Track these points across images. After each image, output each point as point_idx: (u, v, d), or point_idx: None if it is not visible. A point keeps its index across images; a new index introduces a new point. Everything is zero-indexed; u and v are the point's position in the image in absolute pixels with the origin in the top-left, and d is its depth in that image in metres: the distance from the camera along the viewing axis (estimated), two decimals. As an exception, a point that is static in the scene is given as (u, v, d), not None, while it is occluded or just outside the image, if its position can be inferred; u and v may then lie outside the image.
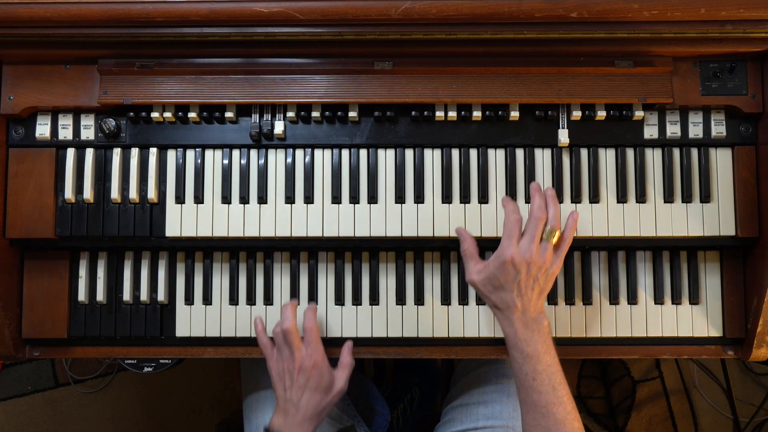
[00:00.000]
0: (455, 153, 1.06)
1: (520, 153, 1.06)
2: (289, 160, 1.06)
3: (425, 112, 1.04)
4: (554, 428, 0.88)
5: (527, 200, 1.04)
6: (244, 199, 1.05)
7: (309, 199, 1.05)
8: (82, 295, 1.07)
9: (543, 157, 1.06)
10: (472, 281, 0.97)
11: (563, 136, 1.04)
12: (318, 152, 1.06)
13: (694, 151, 1.06)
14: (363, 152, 1.06)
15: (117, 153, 1.06)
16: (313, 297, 1.07)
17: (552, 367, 0.90)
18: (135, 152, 1.06)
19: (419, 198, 1.05)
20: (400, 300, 1.07)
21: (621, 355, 1.07)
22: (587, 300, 1.06)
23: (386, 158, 1.06)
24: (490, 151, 1.06)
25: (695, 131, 1.05)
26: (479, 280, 0.95)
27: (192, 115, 1.04)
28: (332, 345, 1.05)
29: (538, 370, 0.90)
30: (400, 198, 1.05)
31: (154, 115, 1.04)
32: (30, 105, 1.03)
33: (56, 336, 1.07)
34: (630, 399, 2.03)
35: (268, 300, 1.07)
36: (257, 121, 1.05)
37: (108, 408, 1.99)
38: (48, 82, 1.03)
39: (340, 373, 1.01)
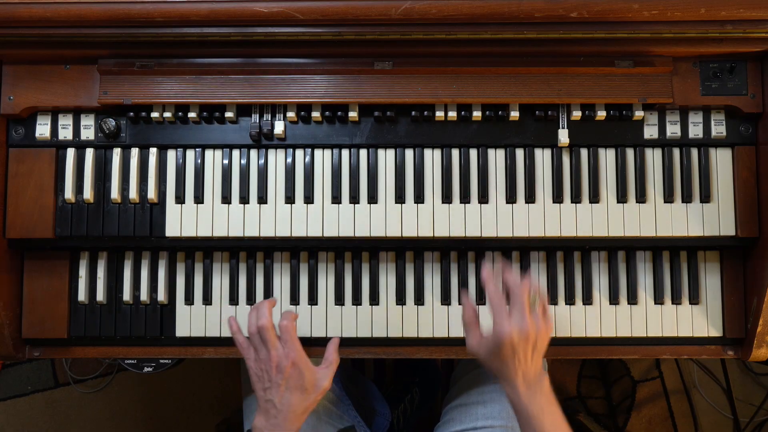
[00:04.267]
0: (455, 153, 1.06)
1: (520, 153, 1.06)
2: (289, 160, 1.06)
3: (425, 112, 1.04)
4: None
5: (527, 200, 1.04)
6: (244, 199, 1.05)
7: (309, 199, 1.05)
8: (82, 295, 1.07)
9: (543, 157, 1.06)
10: (472, 353, 0.97)
11: (563, 136, 1.04)
12: (318, 152, 1.06)
13: (694, 151, 1.06)
14: (363, 152, 1.06)
15: (117, 153, 1.06)
16: (313, 297, 1.07)
17: (556, 421, 0.91)
18: (135, 152, 1.06)
19: (419, 198, 1.05)
20: (400, 300, 1.07)
21: (621, 355, 1.07)
22: (587, 300, 1.06)
23: (386, 158, 1.06)
24: (490, 151, 1.06)
25: (695, 131, 1.05)
26: (480, 352, 0.95)
27: (192, 115, 1.04)
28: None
29: (545, 429, 0.90)
30: (400, 198, 1.05)
31: (154, 115, 1.04)
32: (30, 105, 1.03)
33: (56, 336, 1.07)
34: (630, 399, 2.03)
35: (268, 300, 1.07)
36: (257, 121, 1.05)
37: (108, 408, 1.99)
38: (48, 82, 1.03)
39: (323, 372, 0.98)
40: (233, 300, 1.07)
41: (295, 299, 1.07)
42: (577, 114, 1.03)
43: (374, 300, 1.07)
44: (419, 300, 1.06)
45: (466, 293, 1.03)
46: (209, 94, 1.03)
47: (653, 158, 1.06)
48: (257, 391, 0.97)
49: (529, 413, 0.91)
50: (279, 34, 0.98)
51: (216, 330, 1.07)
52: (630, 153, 1.06)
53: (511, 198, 1.05)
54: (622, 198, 1.04)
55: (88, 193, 1.05)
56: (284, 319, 0.97)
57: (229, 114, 1.04)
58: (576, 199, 1.05)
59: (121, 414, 1.99)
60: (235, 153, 1.07)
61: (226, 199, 1.06)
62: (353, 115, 1.04)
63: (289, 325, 0.97)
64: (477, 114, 1.03)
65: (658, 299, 1.07)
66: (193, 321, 1.07)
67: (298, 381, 0.95)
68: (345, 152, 1.06)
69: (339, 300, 1.07)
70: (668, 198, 1.04)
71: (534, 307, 0.94)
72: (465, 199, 1.05)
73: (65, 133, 1.06)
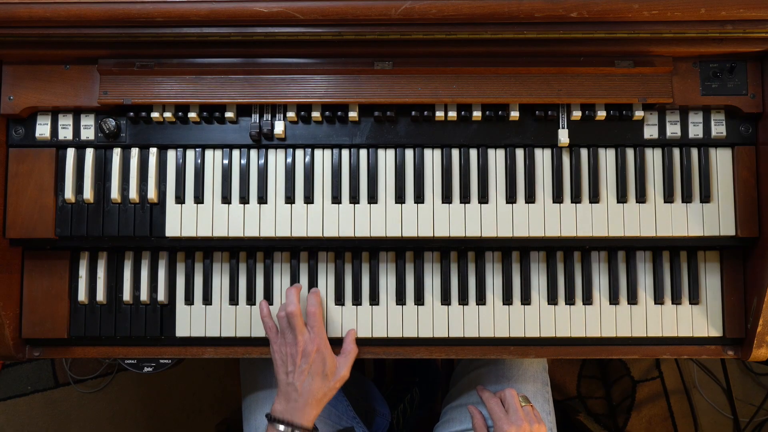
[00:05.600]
0: (455, 153, 1.06)
1: (520, 153, 1.06)
2: (289, 160, 1.06)
3: (425, 112, 1.04)
4: None
5: (527, 200, 1.04)
6: (244, 199, 1.05)
7: (309, 199, 1.05)
8: (82, 295, 1.07)
9: (543, 157, 1.06)
10: None
11: (563, 136, 1.04)
12: (318, 152, 1.06)
13: (694, 151, 1.06)
14: (363, 152, 1.06)
15: (117, 153, 1.06)
16: (313, 297, 1.07)
17: None
18: (135, 152, 1.06)
19: (419, 198, 1.05)
20: (400, 300, 1.07)
21: (621, 355, 1.07)
22: (587, 300, 1.06)
23: (386, 158, 1.06)
24: (490, 151, 1.06)
25: (695, 131, 1.05)
26: None
27: (192, 115, 1.04)
28: (332, 345, 1.04)
29: None
30: (400, 198, 1.05)
31: (154, 115, 1.04)
32: (30, 105, 1.03)
33: (56, 336, 1.07)
34: (630, 399, 2.03)
35: (268, 300, 1.07)
36: (257, 121, 1.05)
37: (108, 408, 1.99)
38: (48, 82, 1.03)
39: (342, 360, 1.02)
40: (233, 300, 1.07)
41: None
42: (577, 114, 1.03)
43: (374, 300, 1.07)
44: (419, 300, 1.06)
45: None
46: (209, 94, 1.03)
47: (653, 158, 1.06)
48: (279, 375, 1.00)
49: None
50: (279, 34, 0.98)
51: (216, 330, 1.07)
52: (630, 153, 1.06)
53: (511, 198, 1.05)
54: (622, 198, 1.04)
55: (88, 193, 1.05)
56: (311, 305, 1.02)
57: (229, 114, 1.04)
58: (576, 199, 1.05)
59: (121, 414, 1.99)
60: (235, 153, 1.07)
61: (226, 199, 1.06)
62: (353, 115, 1.04)
63: (316, 311, 1.02)
64: (477, 114, 1.03)
65: (658, 299, 1.07)
66: (193, 321, 1.07)
67: (320, 367, 0.99)
68: (345, 152, 1.06)
69: (339, 300, 1.07)
70: (668, 198, 1.04)
71: (526, 404, 1.06)
72: (465, 199, 1.05)
73: (65, 133, 1.06)
